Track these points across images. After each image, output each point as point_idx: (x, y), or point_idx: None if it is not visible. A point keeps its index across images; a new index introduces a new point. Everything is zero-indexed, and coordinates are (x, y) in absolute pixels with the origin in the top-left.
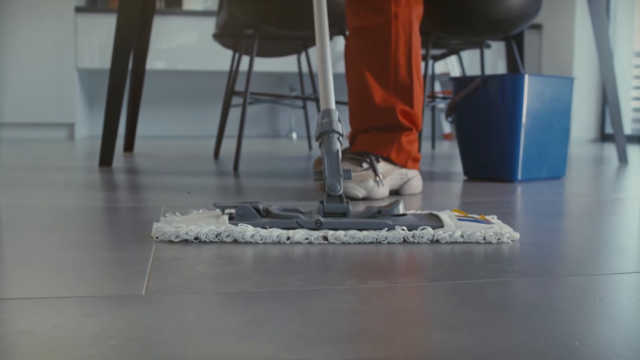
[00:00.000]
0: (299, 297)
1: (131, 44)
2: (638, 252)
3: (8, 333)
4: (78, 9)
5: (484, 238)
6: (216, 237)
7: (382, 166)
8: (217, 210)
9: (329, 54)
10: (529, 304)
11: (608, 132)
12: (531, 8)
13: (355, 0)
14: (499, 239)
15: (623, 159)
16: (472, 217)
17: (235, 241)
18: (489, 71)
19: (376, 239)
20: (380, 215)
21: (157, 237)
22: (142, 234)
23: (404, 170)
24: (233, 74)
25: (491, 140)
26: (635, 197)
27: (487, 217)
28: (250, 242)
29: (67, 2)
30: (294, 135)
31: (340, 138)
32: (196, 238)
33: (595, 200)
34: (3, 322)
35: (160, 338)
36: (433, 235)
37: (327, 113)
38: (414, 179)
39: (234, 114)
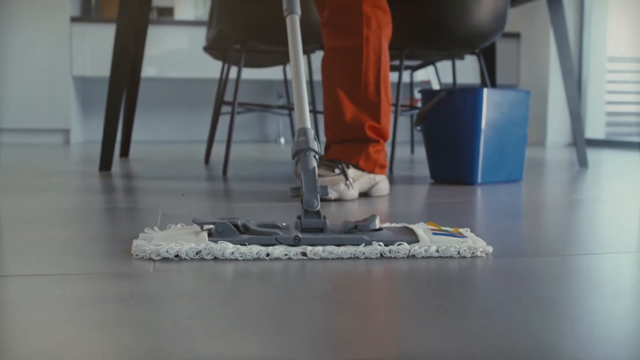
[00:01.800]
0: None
1: (130, 53)
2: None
3: (41, 299)
4: (73, 19)
5: (459, 252)
6: (196, 254)
7: (352, 172)
8: (196, 226)
9: (303, 75)
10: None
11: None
12: (495, 25)
13: (330, 22)
14: (472, 253)
15: (583, 163)
16: (446, 231)
17: (215, 258)
18: (470, 76)
19: (354, 255)
20: (357, 231)
21: (136, 255)
22: (146, 229)
23: (371, 176)
24: (222, 84)
25: (454, 147)
26: (586, 198)
27: (461, 230)
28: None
29: (63, 11)
30: (282, 140)
31: (317, 156)
32: (176, 256)
33: (544, 200)
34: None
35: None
36: (409, 251)
37: (303, 132)
38: (381, 183)
39: (224, 120)
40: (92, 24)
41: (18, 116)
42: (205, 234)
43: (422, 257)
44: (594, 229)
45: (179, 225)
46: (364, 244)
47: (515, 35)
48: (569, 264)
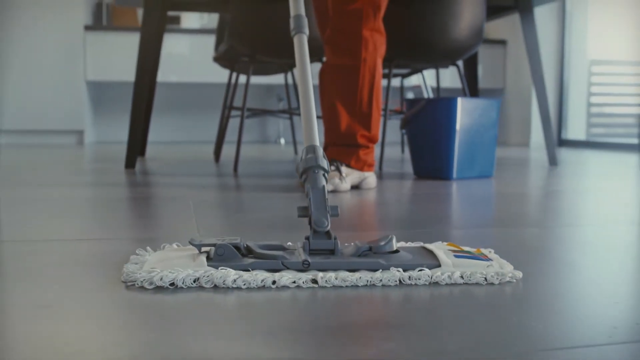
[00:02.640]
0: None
1: (152, 61)
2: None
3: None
4: (87, 27)
5: (485, 279)
6: (194, 282)
7: (345, 169)
8: (192, 247)
9: (312, 94)
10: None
11: (565, 138)
12: (472, 41)
13: (332, 41)
14: (500, 279)
15: (553, 162)
16: (468, 252)
17: (215, 286)
18: (456, 81)
19: (370, 282)
20: (371, 253)
21: (127, 283)
22: (184, 211)
23: (361, 173)
24: (232, 91)
25: (433, 147)
26: (549, 191)
27: (483, 251)
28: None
29: (77, 21)
30: (282, 141)
31: (326, 174)
32: (172, 284)
33: (510, 192)
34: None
35: None
36: (431, 277)
37: (312, 149)
38: (369, 178)
39: (229, 122)
40: (104, 32)
41: (36, 118)
42: (203, 257)
43: (446, 284)
44: (545, 213)
45: (174, 245)
46: (380, 270)
47: (502, 42)
48: (521, 235)
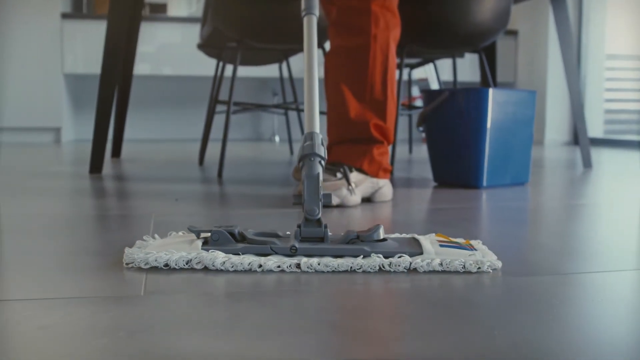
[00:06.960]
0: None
1: (121, 52)
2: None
3: (27, 329)
4: (64, 15)
5: (464, 266)
6: (186, 264)
7: (354, 176)
8: (192, 234)
9: (316, 77)
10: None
11: None
12: (498, 24)
13: (338, 21)
14: (479, 267)
15: (587, 164)
16: (456, 243)
17: (206, 268)
18: (469, 74)
19: (351, 268)
20: (358, 241)
21: (127, 264)
22: (138, 235)
23: (375, 180)
24: (217, 83)
25: (458, 148)
26: (594, 203)
27: (472, 242)
28: (221, 270)
29: (54, 8)
30: (277, 138)
31: (322, 162)
32: (166, 265)
33: (551, 206)
34: (21, 320)
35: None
36: (410, 264)
37: (310, 136)
38: (385, 188)
39: (218, 118)
40: (84, 20)
41: (8, 114)
42: (199, 242)
43: (424, 271)
44: (600, 240)
45: (180, 233)
46: (362, 256)
47: (513, 33)
48: (571, 282)
